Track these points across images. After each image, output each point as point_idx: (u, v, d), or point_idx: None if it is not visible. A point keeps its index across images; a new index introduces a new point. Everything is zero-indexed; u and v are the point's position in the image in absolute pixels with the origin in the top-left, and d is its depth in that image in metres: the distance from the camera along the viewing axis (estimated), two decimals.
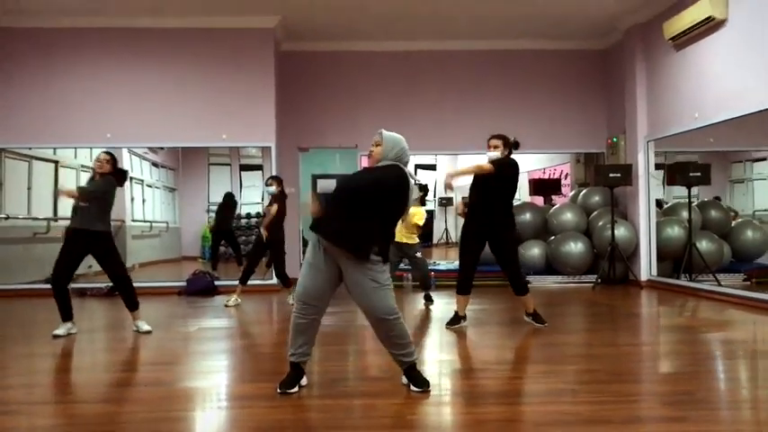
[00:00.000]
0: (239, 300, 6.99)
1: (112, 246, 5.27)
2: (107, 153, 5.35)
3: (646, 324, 5.92)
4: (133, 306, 5.30)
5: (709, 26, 6.79)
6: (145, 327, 5.26)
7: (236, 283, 7.09)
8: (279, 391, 3.32)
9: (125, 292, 5.28)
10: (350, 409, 3.17)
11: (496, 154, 5.09)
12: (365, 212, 3.24)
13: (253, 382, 3.74)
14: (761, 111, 6.12)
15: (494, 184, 5.04)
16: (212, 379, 3.92)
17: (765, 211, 9.87)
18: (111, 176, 5.25)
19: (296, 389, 3.36)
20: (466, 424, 2.98)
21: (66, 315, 5.15)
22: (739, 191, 10.77)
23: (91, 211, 5.07)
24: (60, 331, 5.08)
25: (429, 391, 3.34)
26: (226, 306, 6.83)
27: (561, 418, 2.93)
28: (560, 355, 4.34)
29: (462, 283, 5.23)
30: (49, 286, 5.19)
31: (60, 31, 8.29)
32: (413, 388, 3.37)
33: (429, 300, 6.74)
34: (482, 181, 5.09)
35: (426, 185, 8.21)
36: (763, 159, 10.06)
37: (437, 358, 4.40)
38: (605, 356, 4.28)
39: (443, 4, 7.78)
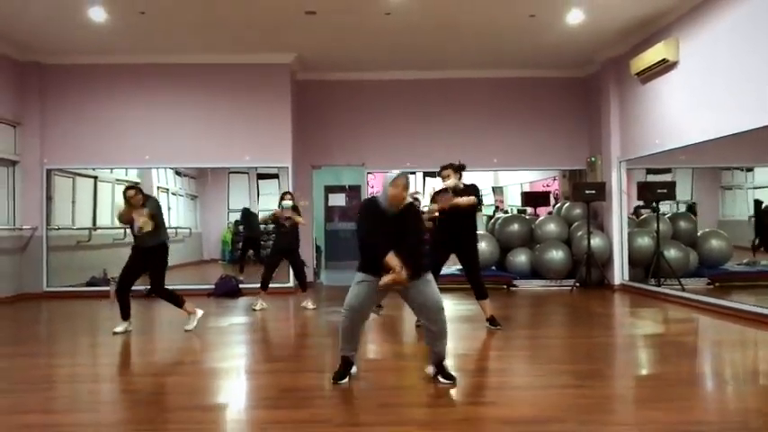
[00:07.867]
0: (265, 304, 7.60)
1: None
2: (133, 188, 6.07)
3: (605, 322, 6.94)
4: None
5: (665, 66, 7.81)
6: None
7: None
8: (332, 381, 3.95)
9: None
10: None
11: (452, 182, 5.57)
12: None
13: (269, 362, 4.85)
14: (704, 141, 7.16)
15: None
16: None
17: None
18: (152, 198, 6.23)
19: (346, 380, 3.99)
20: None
21: (125, 315, 6.19)
22: (729, 197, 11.68)
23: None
24: (119, 329, 6.11)
25: (455, 384, 3.91)
26: (253, 310, 7.52)
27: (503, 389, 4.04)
28: (520, 345, 5.44)
29: None
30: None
31: (99, 67, 9.43)
32: (441, 379, 3.92)
33: None
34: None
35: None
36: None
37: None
38: (554, 346, 5.37)
39: (442, 39, 8.72)
